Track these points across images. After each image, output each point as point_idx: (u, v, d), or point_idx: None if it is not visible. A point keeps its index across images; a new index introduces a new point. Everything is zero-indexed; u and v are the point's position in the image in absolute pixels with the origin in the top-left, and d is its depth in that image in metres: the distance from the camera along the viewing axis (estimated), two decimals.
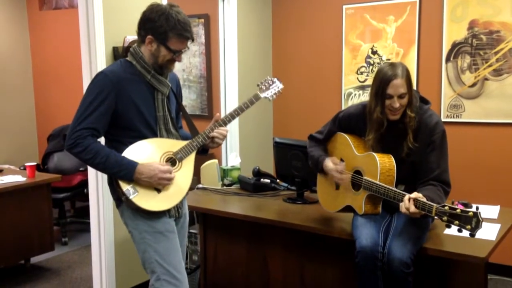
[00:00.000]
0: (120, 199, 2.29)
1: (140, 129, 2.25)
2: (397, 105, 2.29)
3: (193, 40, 2.28)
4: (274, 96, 2.55)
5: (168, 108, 2.32)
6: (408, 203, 2.13)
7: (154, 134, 2.29)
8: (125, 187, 2.20)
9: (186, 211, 2.50)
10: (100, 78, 2.21)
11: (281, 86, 2.58)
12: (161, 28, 2.19)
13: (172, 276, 2.25)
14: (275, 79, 2.57)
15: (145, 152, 2.24)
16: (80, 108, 2.18)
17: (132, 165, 2.19)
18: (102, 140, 2.31)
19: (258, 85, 2.55)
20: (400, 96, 2.30)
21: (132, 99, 2.22)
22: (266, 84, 2.54)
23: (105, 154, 2.17)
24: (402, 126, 2.36)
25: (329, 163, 2.52)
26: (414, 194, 2.14)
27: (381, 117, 2.34)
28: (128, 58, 2.30)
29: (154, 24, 2.19)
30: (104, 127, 2.21)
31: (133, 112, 2.23)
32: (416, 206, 2.12)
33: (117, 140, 2.27)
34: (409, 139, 2.33)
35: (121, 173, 2.18)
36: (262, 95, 2.51)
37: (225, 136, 2.41)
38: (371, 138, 2.39)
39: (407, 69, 2.35)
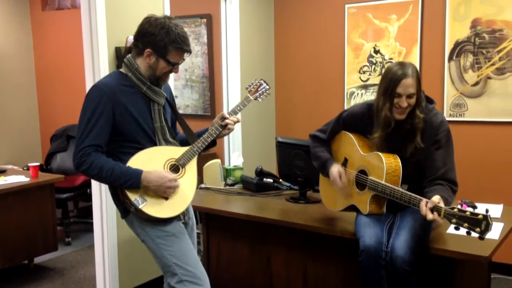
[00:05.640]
0: (127, 210, 2.29)
1: (140, 140, 2.25)
2: (405, 104, 2.30)
3: (190, 53, 2.30)
4: (264, 97, 2.62)
5: (165, 118, 2.34)
6: (425, 208, 2.09)
7: (153, 144, 2.29)
8: (133, 197, 2.19)
9: (192, 214, 2.52)
10: (94, 92, 2.20)
11: (267, 87, 2.64)
12: (161, 42, 2.18)
13: (193, 276, 2.26)
14: (262, 81, 2.64)
15: (148, 161, 2.24)
16: (80, 126, 2.18)
17: (138, 173, 2.18)
18: None
19: (246, 88, 2.62)
20: (409, 96, 2.30)
21: (129, 110, 2.22)
22: (254, 86, 2.61)
23: (110, 167, 2.17)
24: (409, 127, 2.35)
25: (335, 171, 2.50)
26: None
27: (389, 115, 2.34)
28: (122, 70, 2.29)
29: (154, 38, 2.18)
30: (106, 140, 2.21)
31: (132, 124, 2.23)
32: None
33: (118, 152, 2.26)
34: (416, 140, 2.33)
35: (128, 183, 2.18)
36: (253, 97, 2.58)
37: (235, 122, 2.45)
38: (377, 136, 2.39)
39: (417, 70, 2.35)
